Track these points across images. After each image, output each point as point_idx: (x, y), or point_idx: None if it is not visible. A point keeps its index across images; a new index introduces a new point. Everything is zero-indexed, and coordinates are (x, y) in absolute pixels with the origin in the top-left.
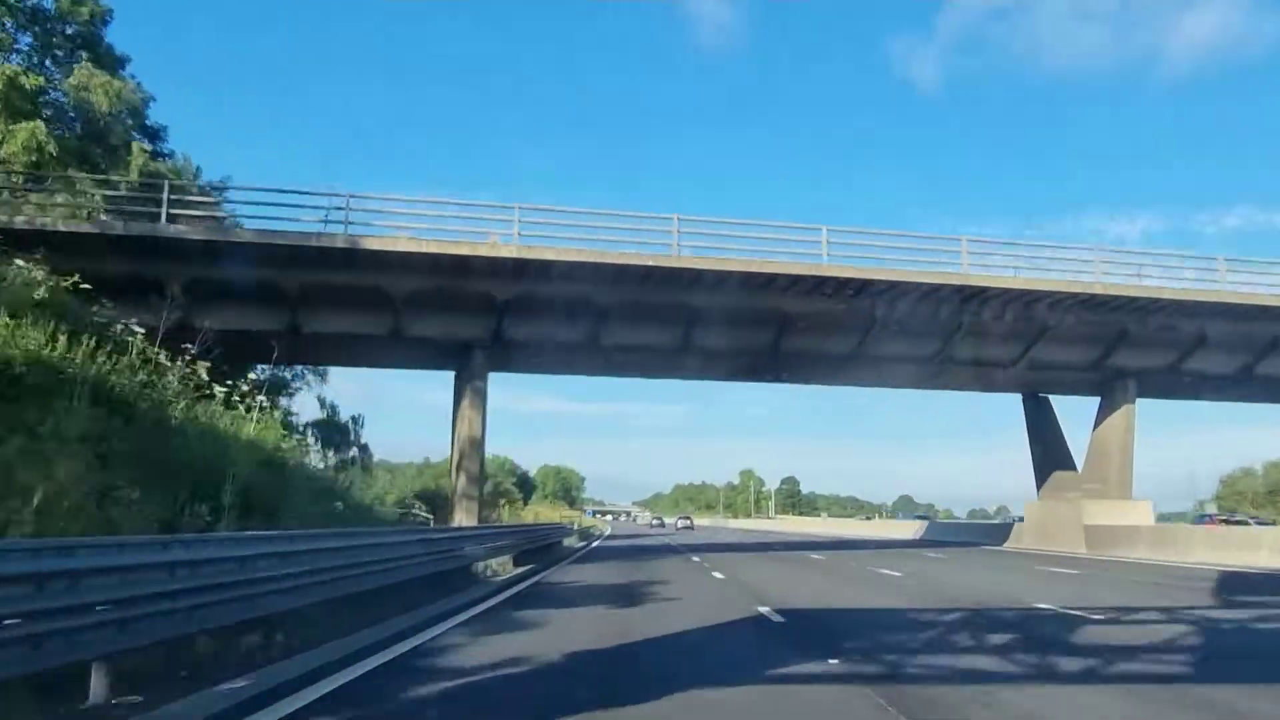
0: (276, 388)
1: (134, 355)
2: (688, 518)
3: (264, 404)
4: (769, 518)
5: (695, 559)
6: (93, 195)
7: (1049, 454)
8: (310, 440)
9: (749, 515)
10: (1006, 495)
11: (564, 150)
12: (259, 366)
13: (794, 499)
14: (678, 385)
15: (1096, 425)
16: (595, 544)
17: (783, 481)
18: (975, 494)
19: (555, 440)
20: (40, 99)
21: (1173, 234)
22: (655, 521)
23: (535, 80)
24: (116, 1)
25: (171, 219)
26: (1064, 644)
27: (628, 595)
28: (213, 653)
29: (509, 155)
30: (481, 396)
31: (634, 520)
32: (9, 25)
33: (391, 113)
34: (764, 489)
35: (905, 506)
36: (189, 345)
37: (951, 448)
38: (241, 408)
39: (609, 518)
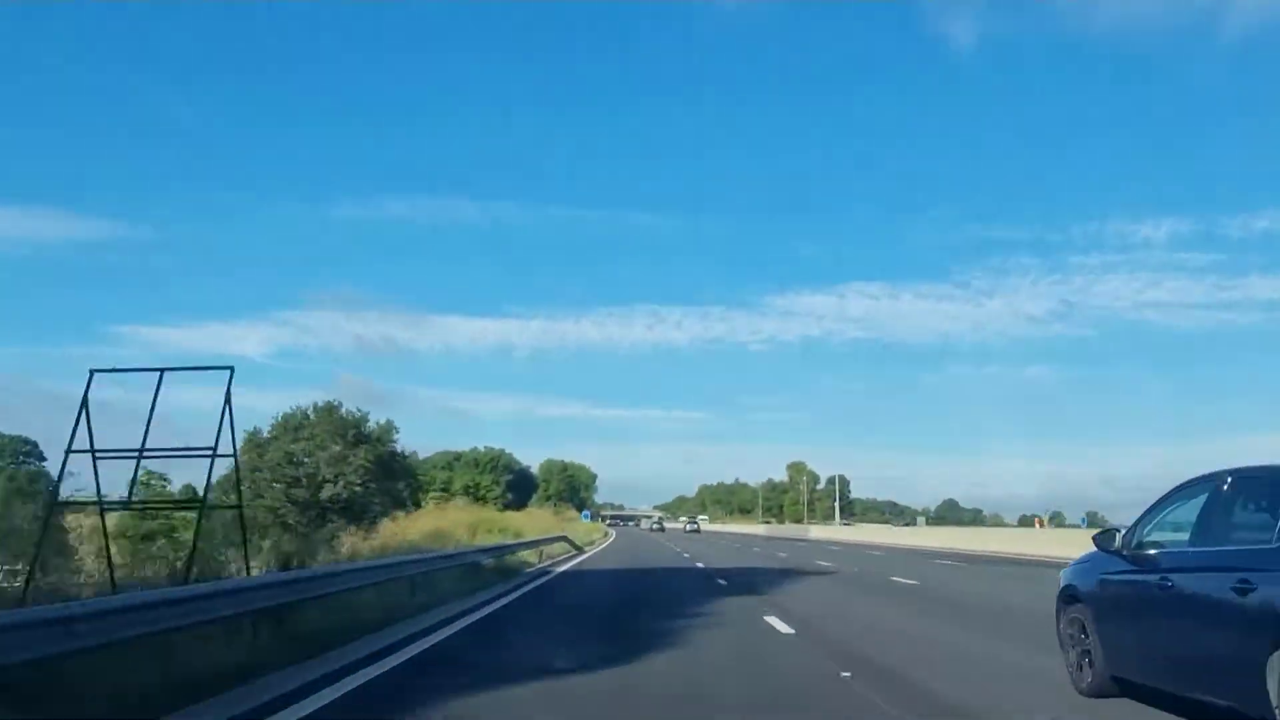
0: None
1: None
2: (695, 521)
3: None
4: (843, 524)
5: None
6: None
7: None
8: None
9: (800, 520)
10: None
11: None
12: None
13: (842, 502)
14: (698, 390)
15: None
16: None
17: (829, 481)
18: (1028, 500)
19: (569, 445)
20: None
21: (1200, 238)
22: (655, 525)
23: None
24: None
25: None
26: None
27: None
28: None
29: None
30: None
31: (637, 525)
32: None
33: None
34: (818, 487)
35: (951, 512)
36: None
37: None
38: None
39: (608, 523)
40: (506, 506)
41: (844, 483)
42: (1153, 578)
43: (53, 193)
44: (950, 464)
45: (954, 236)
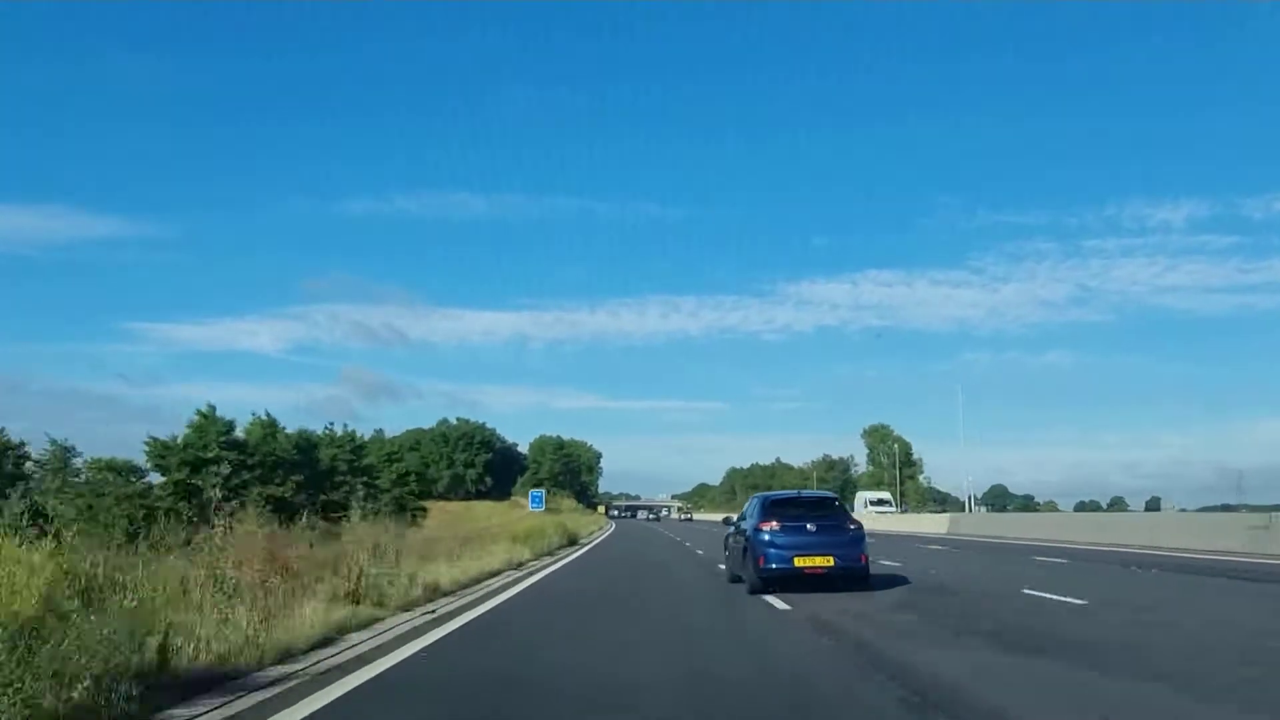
0: None
1: None
2: (688, 511)
3: None
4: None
5: None
6: None
7: None
8: None
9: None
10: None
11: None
12: None
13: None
14: (712, 379)
15: None
16: None
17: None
18: (1053, 486)
19: (582, 437)
20: None
21: (1220, 220)
22: (650, 516)
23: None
24: None
25: None
26: None
27: None
28: None
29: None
30: None
31: (650, 515)
32: None
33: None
34: (913, 459)
35: (1000, 498)
36: None
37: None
38: None
39: (617, 514)
40: (483, 493)
41: (916, 465)
42: (735, 533)
43: (70, 191)
44: (971, 450)
45: (968, 222)
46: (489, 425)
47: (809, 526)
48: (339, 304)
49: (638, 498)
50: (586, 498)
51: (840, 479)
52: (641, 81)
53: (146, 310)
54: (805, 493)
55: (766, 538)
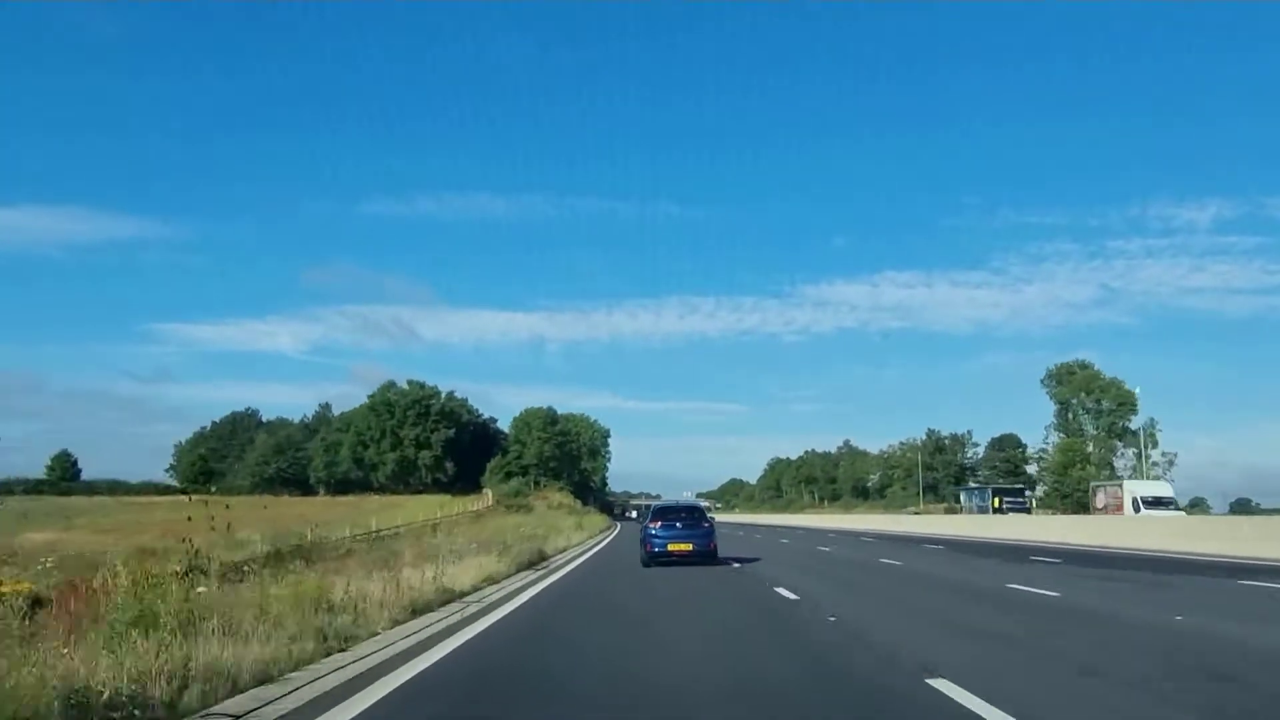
0: None
1: None
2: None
3: None
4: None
5: None
6: None
7: None
8: None
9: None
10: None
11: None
12: None
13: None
14: (732, 382)
15: None
16: None
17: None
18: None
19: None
20: None
21: (1246, 220)
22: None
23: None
24: None
25: None
26: None
27: None
28: None
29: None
30: None
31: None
32: None
33: None
34: (1132, 425)
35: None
36: None
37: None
38: None
39: (629, 514)
40: (443, 484)
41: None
42: (644, 528)
43: (92, 193)
44: None
45: (989, 223)
46: (458, 394)
47: (678, 525)
48: (357, 305)
49: (659, 497)
50: (590, 492)
51: (953, 465)
52: (663, 83)
53: (167, 311)
54: (680, 503)
55: (653, 531)
